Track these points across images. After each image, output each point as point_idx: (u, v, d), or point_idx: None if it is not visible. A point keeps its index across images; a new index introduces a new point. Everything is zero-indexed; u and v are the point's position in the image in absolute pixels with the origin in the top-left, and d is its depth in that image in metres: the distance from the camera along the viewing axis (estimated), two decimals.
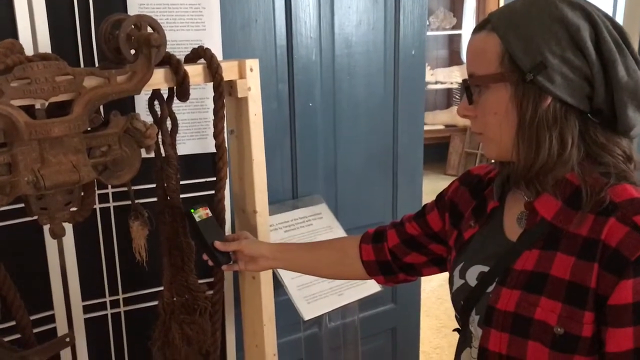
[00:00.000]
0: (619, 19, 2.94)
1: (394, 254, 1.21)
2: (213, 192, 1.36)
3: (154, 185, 1.34)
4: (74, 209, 1.14)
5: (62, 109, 1.07)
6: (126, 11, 1.38)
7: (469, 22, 6.03)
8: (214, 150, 1.55)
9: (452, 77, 6.03)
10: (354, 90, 1.84)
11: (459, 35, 6.11)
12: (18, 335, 1.22)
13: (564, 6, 0.84)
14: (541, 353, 0.85)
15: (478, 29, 0.92)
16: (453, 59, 6.30)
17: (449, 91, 6.34)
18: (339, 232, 1.77)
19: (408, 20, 1.87)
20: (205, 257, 1.33)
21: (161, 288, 1.51)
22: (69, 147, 1.04)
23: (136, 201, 1.29)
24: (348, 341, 1.74)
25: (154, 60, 1.12)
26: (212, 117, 1.54)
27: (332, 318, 1.74)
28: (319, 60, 1.76)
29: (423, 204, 1.23)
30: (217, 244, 1.28)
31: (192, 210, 1.29)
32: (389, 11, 1.83)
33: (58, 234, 1.09)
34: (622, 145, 0.88)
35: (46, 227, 1.37)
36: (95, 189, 1.20)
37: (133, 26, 1.12)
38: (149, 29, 1.14)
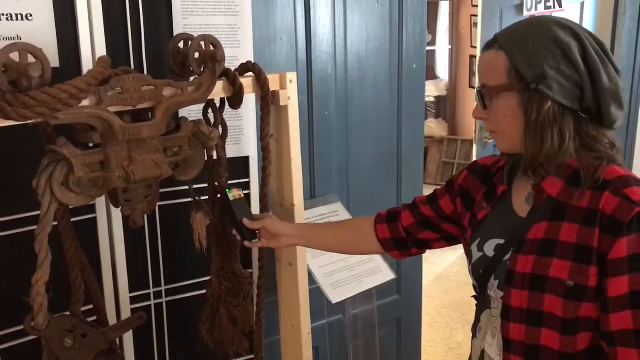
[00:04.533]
0: None
1: (408, 232, 1.41)
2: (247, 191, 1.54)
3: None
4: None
5: (138, 115, 1.25)
6: (172, 31, 1.57)
7: (443, 39, 6.34)
8: (246, 154, 1.76)
9: (428, 91, 6.32)
10: (364, 100, 2.06)
11: (433, 52, 6.41)
12: (94, 317, 1.38)
13: (557, 28, 1.06)
14: (556, 303, 1.05)
15: (487, 47, 1.13)
16: (428, 74, 6.59)
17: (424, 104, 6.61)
18: None
19: (410, 37, 2.10)
20: (234, 232, 1.49)
21: (199, 280, 1.68)
22: (151, 147, 1.22)
23: (178, 200, 1.46)
24: (367, 327, 1.93)
25: (218, 73, 1.30)
26: (245, 125, 1.74)
27: (351, 306, 1.93)
28: (334, 73, 1.97)
29: (414, 199, 1.44)
30: (245, 222, 1.46)
31: (228, 190, 1.47)
32: (394, 29, 2.06)
33: (138, 223, 1.27)
34: (608, 135, 1.10)
35: (101, 225, 1.55)
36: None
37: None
38: (211, 47, 1.33)
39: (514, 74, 1.07)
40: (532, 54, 1.05)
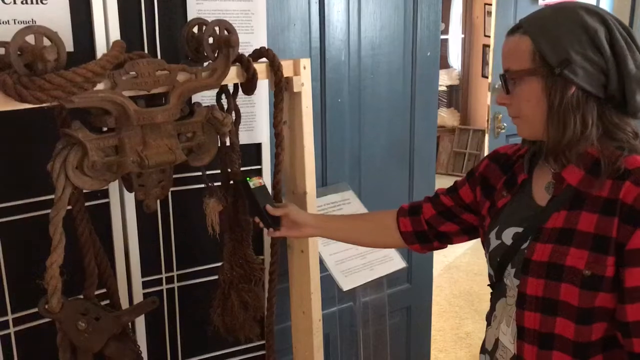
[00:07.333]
0: None
1: (430, 224, 1.40)
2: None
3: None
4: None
5: (152, 100, 1.25)
6: (186, 16, 1.56)
7: (456, 27, 6.29)
8: (259, 141, 1.76)
9: (440, 80, 6.27)
10: (377, 88, 2.05)
11: (446, 40, 6.36)
12: (107, 301, 1.39)
13: (584, 13, 1.05)
14: (572, 292, 1.05)
15: (511, 32, 1.12)
16: (440, 63, 6.55)
17: None
18: None
19: (424, 25, 2.08)
20: (257, 220, 1.48)
21: (211, 266, 1.69)
22: (165, 133, 1.22)
23: (191, 186, 1.46)
24: (377, 315, 1.93)
25: (232, 58, 1.30)
26: (257, 111, 1.74)
27: (362, 294, 1.93)
28: (347, 60, 1.96)
29: (435, 192, 1.43)
30: (268, 208, 1.44)
31: (248, 179, 1.45)
32: (408, 16, 2.04)
33: (151, 208, 1.27)
34: (631, 124, 1.09)
35: (114, 210, 1.56)
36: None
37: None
38: (225, 32, 1.32)
39: (538, 59, 1.05)
40: (558, 38, 1.04)
